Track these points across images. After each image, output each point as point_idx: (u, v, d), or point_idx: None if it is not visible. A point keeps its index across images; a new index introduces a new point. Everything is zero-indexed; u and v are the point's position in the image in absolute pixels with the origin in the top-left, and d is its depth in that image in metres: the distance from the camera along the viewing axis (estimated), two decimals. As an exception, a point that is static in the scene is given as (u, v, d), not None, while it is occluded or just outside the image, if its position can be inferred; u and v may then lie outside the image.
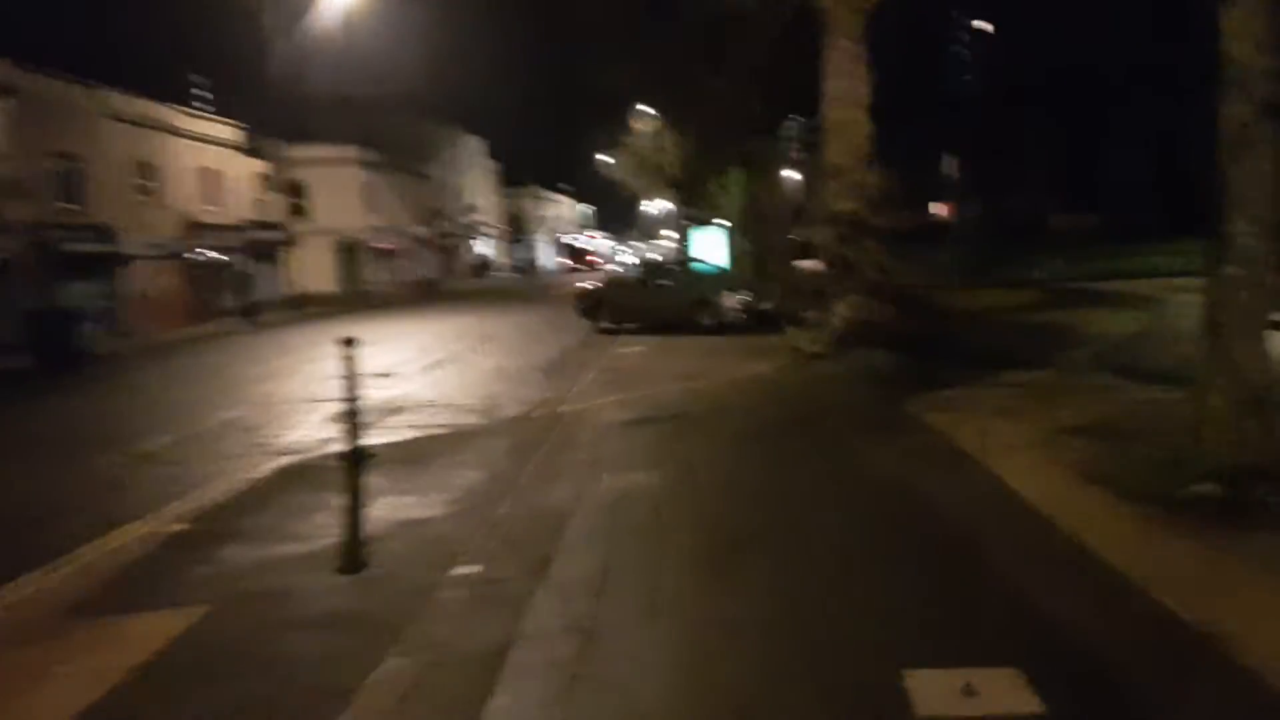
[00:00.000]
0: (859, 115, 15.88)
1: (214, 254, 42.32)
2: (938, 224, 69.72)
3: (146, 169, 37.95)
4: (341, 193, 58.44)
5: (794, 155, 66.31)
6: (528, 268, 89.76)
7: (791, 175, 66.49)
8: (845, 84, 15.83)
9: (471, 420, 12.77)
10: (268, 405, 15.29)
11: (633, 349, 20.27)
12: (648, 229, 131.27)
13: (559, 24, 41.27)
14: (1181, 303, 20.02)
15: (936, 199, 73.03)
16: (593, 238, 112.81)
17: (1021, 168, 56.95)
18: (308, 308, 45.48)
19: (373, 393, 15.96)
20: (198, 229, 40.92)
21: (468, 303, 45.09)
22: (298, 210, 57.45)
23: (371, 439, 11.97)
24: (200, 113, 42.55)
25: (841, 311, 15.71)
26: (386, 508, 8.02)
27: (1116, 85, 58.31)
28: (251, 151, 45.92)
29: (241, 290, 40.93)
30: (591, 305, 25.11)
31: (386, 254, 64.14)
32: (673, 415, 11.21)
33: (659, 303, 23.70)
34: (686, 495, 7.65)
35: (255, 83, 48.17)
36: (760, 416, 10.96)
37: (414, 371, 18.52)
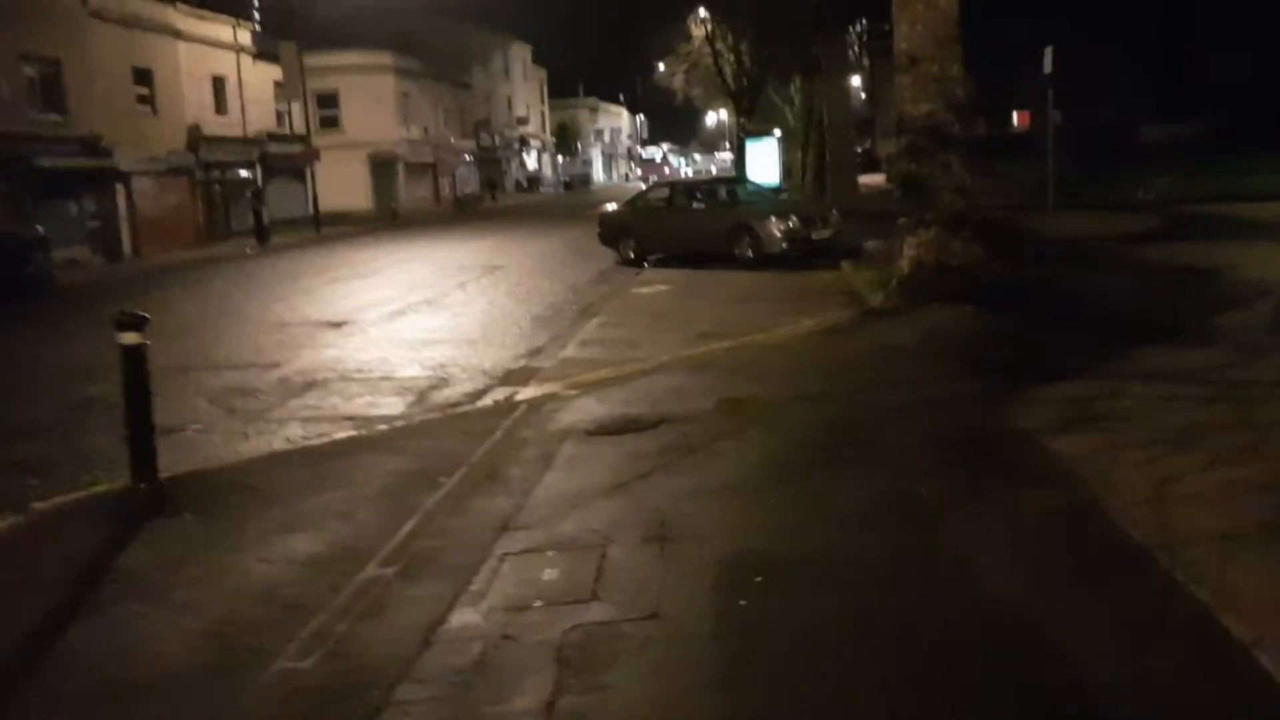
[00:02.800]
0: (942, -15, 11.86)
1: (227, 170, 39.21)
2: (1018, 135, 64.31)
3: (144, 76, 34.57)
4: (374, 103, 54.85)
5: (862, 61, 61.47)
6: (579, 182, 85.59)
7: (858, 84, 61.80)
8: (923, -56, 11.78)
9: (394, 409, 9.25)
10: (164, 374, 11.87)
11: (653, 289, 16.66)
12: (710, 142, 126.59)
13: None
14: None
15: (1015, 107, 67.40)
16: (664, 151, 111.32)
17: (1106, 72, 51.43)
18: (330, 227, 42.19)
19: (306, 353, 12.68)
20: (207, 142, 37.61)
21: (500, 222, 41.54)
22: (328, 122, 54.08)
23: (231, 447, 8.64)
24: (207, 14, 38.84)
25: (912, 249, 11.88)
26: (79, 644, 4.57)
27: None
28: (268, 57, 42.31)
29: (255, 209, 37.69)
30: (614, 232, 21.38)
31: (424, 168, 60.64)
32: (662, 419, 7.60)
33: (691, 230, 19.91)
34: (627, 652, 4.05)
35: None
36: (788, 427, 7.29)
37: (378, 318, 15.07)
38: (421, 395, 9.72)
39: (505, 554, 5.17)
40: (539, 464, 6.75)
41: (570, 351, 11.53)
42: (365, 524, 5.89)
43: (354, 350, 12.41)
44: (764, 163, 43.25)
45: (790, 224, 18.68)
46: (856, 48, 59.17)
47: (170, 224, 35.02)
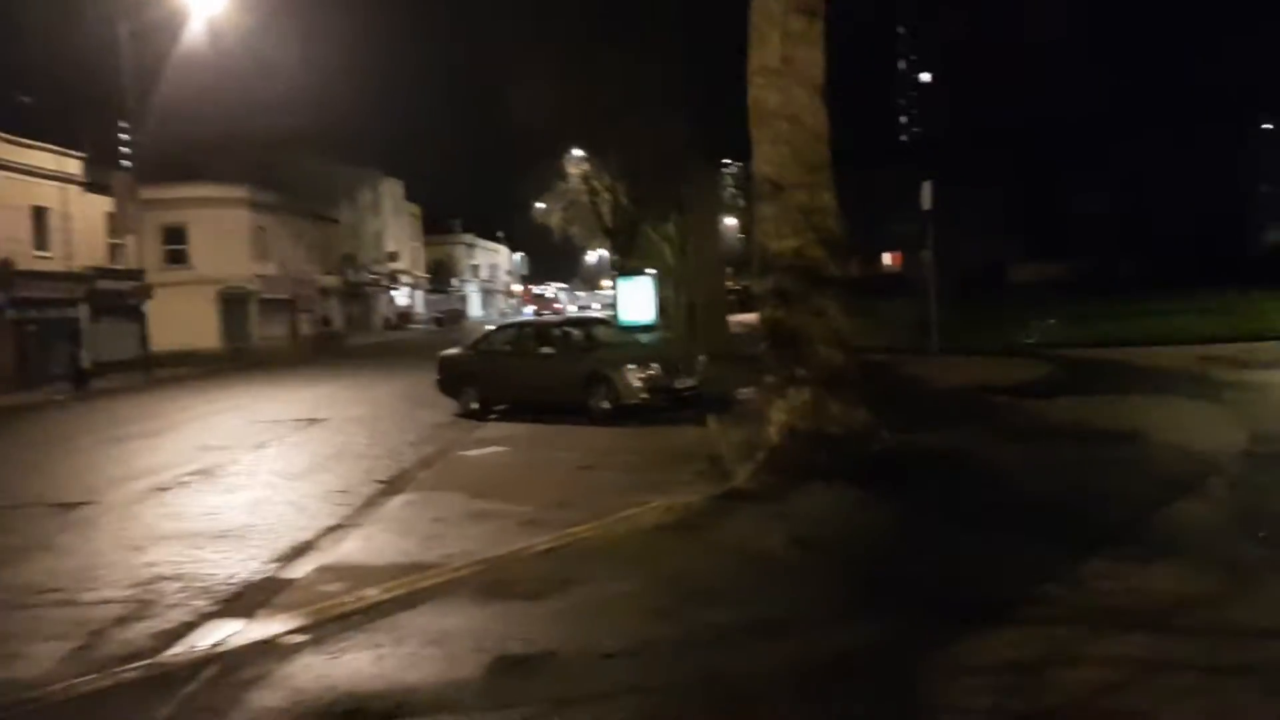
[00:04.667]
0: (806, 98, 9.85)
1: (46, 308, 35.52)
2: (890, 275, 64.33)
3: (-57, 205, 31.13)
4: (226, 237, 51.75)
5: (738, 201, 61.26)
6: (451, 319, 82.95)
7: (735, 223, 61.38)
8: (784, 50, 9.80)
9: (35, 667, 6.30)
10: None
11: (486, 451, 14.15)
12: (592, 279, 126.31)
13: (481, 61, 35.73)
14: (1258, 386, 14.28)
15: (886, 248, 67.74)
16: (555, 289, 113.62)
17: (978, 214, 51.74)
18: (167, 368, 38.57)
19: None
20: (21, 278, 33.98)
21: (354, 363, 38.63)
22: (176, 257, 50.77)
23: None
24: (29, 142, 35.59)
25: (781, 414, 9.56)
26: None
27: (1075, 127, 53.82)
28: (100, 188, 39.15)
29: (72, 351, 34.03)
30: (455, 379, 18.76)
31: (281, 305, 57.37)
32: (398, 708, 4.93)
33: (540, 377, 17.43)
34: None
35: (127, 116, 41.83)
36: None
37: (127, 498, 12.00)
38: (94, 637, 6.79)
39: None
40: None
41: (346, 549, 8.81)
42: None
43: (58, 552, 9.36)
44: (638, 301, 41.62)
45: (651, 372, 16.41)
46: (732, 187, 59.11)
47: (-33, 367, 31.18)
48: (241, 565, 8.52)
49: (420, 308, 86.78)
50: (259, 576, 8.16)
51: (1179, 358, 18.37)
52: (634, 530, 8.39)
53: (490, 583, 7.11)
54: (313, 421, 18.66)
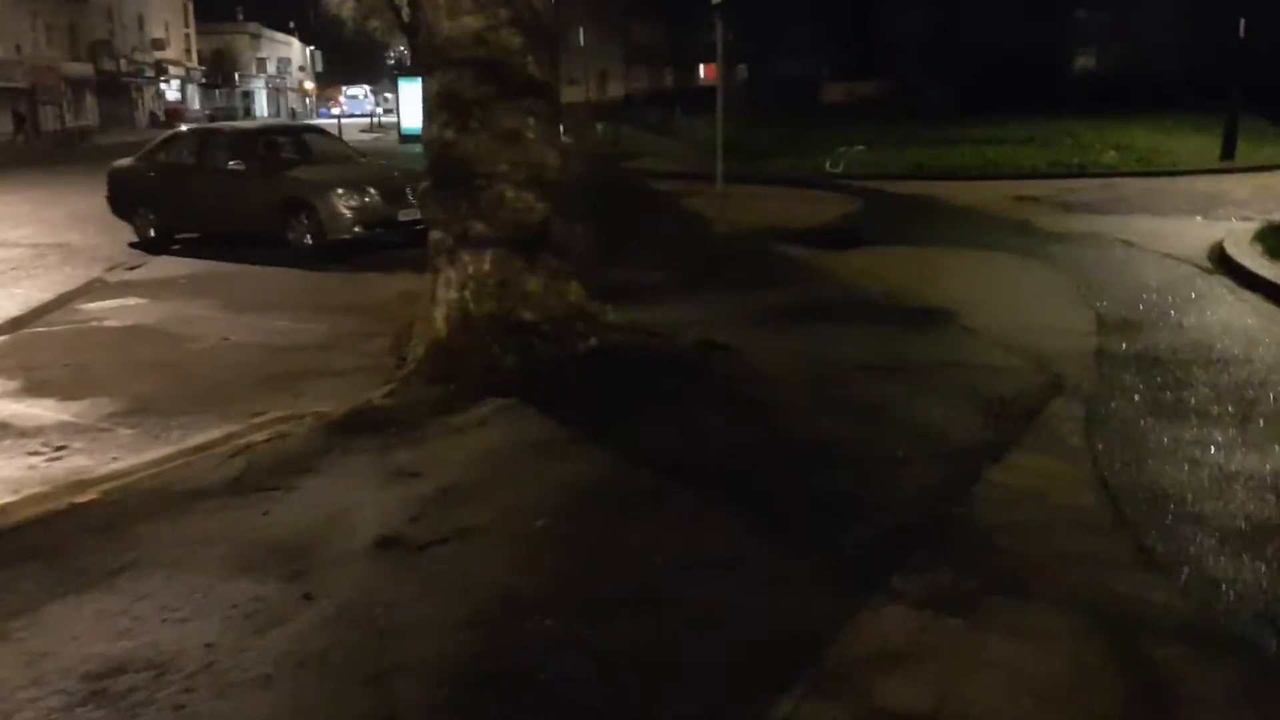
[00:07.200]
0: None
1: None
2: (705, 89, 60.45)
3: None
4: (-60, 13, 43.75)
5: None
6: (227, 118, 74.99)
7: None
8: None
9: None
10: None
11: (111, 304, 10.57)
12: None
13: None
14: (1087, 238, 11.99)
15: (703, 60, 63.73)
16: (367, 90, 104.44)
17: (791, 30, 48.38)
18: None
19: None
20: None
21: (83, 166, 32.68)
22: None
23: None
24: None
25: (451, 292, 6.34)
26: None
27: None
28: None
29: None
30: (127, 198, 14.76)
31: (15, 95, 49.78)
32: None
33: (227, 201, 13.61)
34: None
35: None
36: None
37: None
38: None
39: None
40: None
41: None
42: None
43: None
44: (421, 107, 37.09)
45: (367, 199, 12.92)
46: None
47: None
48: None
49: (196, 105, 78.15)
50: None
51: (995, 196, 16.37)
52: (168, 494, 5.08)
53: None
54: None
